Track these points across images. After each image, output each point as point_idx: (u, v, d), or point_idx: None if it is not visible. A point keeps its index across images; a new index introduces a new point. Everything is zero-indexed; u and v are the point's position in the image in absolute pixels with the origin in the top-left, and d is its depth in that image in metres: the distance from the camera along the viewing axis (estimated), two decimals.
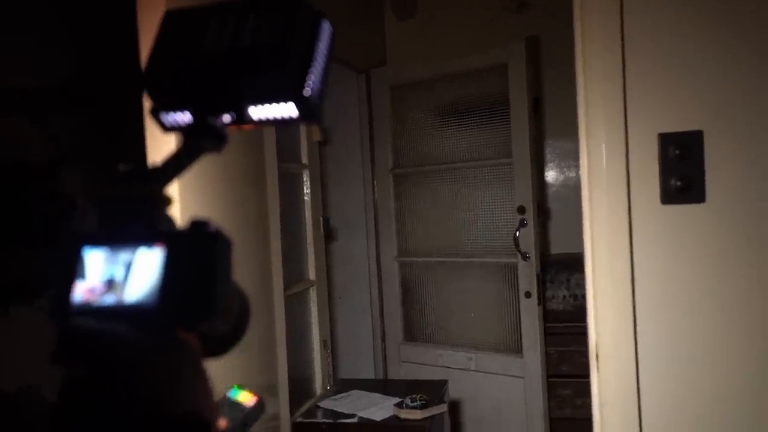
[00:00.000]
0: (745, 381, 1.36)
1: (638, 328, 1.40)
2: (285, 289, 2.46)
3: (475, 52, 3.21)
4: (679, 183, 1.34)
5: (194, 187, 1.56)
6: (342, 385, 2.87)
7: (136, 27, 1.43)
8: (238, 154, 2.10)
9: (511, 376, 3.18)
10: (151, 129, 1.43)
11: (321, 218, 3.00)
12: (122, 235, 0.41)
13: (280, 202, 2.42)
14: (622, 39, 1.37)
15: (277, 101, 0.42)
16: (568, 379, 3.24)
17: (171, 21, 0.43)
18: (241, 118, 0.42)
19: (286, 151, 2.70)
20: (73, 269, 0.41)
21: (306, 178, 2.91)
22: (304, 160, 2.91)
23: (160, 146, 1.37)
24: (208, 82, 0.42)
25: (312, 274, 2.92)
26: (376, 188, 3.65)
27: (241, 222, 2.14)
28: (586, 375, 1.50)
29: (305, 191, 2.91)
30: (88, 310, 0.40)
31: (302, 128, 2.87)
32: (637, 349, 1.40)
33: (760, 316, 1.34)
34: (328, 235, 3.28)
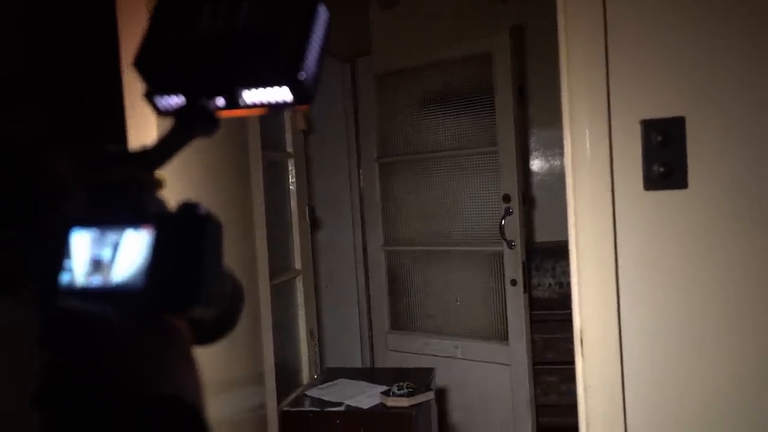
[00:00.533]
0: (727, 364, 1.39)
1: (622, 314, 1.43)
2: (271, 279, 2.47)
3: (460, 41, 3.22)
4: (661, 169, 1.37)
5: (175, 176, 1.55)
6: (329, 374, 2.89)
7: (115, 10, 1.42)
8: (221, 143, 2.10)
9: (497, 363, 3.22)
10: (132, 113, 1.43)
11: (307, 207, 3.01)
12: (110, 217, 0.41)
13: (264, 192, 2.42)
14: (605, 26, 1.39)
15: (271, 85, 0.42)
16: (554, 366, 3.29)
17: (164, 4, 0.44)
18: (235, 101, 0.43)
19: (270, 140, 2.70)
20: (60, 251, 0.41)
21: (291, 167, 2.91)
22: (289, 148, 2.91)
23: (141, 130, 1.37)
24: (202, 65, 0.42)
25: (298, 264, 2.92)
26: (361, 177, 3.66)
27: (225, 211, 2.14)
28: (572, 362, 1.53)
29: (290, 180, 2.91)
30: (74, 291, 0.40)
31: (287, 117, 2.87)
32: (621, 334, 1.43)
33: (742, 300, 1.38)
34: (314, 224, 3.29)
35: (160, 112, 0.44)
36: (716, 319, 1.39)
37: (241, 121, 2.27)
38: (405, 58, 3.42)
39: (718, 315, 1.39)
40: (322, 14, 0.43)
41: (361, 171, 3.66)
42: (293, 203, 2.91)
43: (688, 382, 1.41)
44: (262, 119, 2.43)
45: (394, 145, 3.56)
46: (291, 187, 2.91)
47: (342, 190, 3.72)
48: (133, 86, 1.37)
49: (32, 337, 0.39)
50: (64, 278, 0.40)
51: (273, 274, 2.52)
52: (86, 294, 0.40)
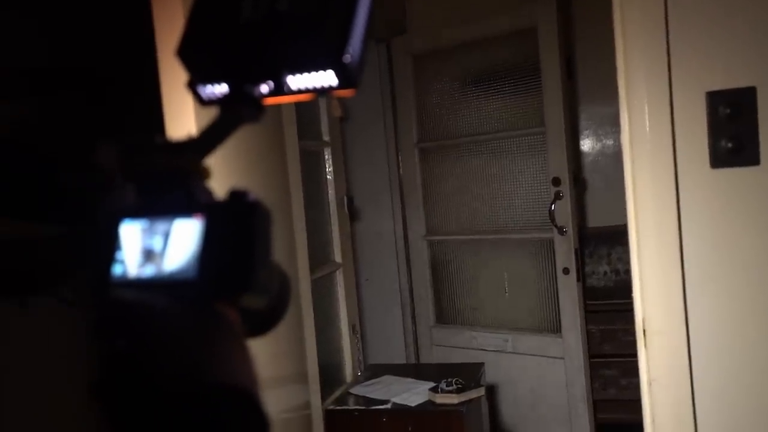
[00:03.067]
0: None
1: (688, 302, 1.39)
2: (311, 273, 2.49)
3: (501, 15, 3.17)
4: (730, 145, 1.33)
5: (212, 168, 1.58)
6: (373, 371, 2.91)
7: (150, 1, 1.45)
8: (257, 132, 2.12)
9: (550, 357, 3.18)
10: (169, 103, 1.45)
11: (345, 197, 3.02)
12: (160, 206, 0.42)
13: (301, 182, 2.44)
14: None
15: (316, 69, 0.42)
16: (612, 359, 3.24)
17: None
18: (280, 87, 0.43)
19: (306, 128, 2.71)
20: (111, 243, 0.42)
21: (328, 155, 2.92)
22: (325, 137, 2.92)
23: (179, 120, 1.39)
24: (245, 51, 0.43)
25: (338, 256, 2.94)
26: (401, 164, 3.65)
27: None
28: (631, 354, 1.50)
29: (327, 169, 2.92)
30: (127, 282, 0.41)
31: (322, 104, 2.87)
32: (688, 324, 1.40)
33: None
34: (353, 215, 3.30)
35: (203, 102, 0.45)
36: None
37: (277, 110, 2.29)
38: (443, 36, 3.39)
39: None
40: None
41: (400, 157, 3.65)
42: (331, 193, 2.92)
43: (762, 373, 1.37)
44: (297, 107, 2.45)
45: (435, 128, 3.54)
46: (328, 176, 2.93)
47: (381, 178, 3.72)
48: (169, 76, 1.39)
49: (73, 333, 0.40)
50: (117, 269, 0.42)
51: (313, 267, 2.54)
52: (139, 284, 0.41)
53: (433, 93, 3.52)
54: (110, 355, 0.39)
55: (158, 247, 0.41)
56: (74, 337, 0.42)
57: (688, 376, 1.40)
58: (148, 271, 0.41)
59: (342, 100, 2.97)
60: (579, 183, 3.58)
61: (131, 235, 0.42)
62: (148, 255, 0.41)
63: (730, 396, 1.39)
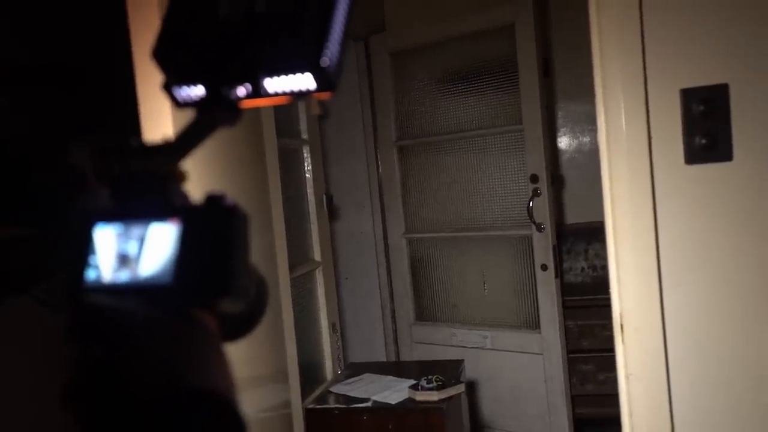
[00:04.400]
0: None
1: (665, 296, 1.41)
2: (290, 271, 2.48)
3: (479, 12, 3.18)
4: (704, 141, 1.34)
5: (190, 168, 1.56)
6: (353, 369, 2.91)
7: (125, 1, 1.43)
8: (234, 130, 2.10)
9: (529, 353, 3.21)
10: (145, 104, 1.44)
11: (324, 196, 3.01)
12: (135, 210, 0.42)
13: (280, 180, 2.43)
14: None
15: (294, 72, 0.42)
16: (590, 354, 3.27)
17: None
18: (257, 90, 0.43)
19: (284, 126, 2.70)
20: (85, 246, 0.41)
21: (306, 154, 2.91)
22: (304, 135, 2.91)
23: (155, 122, 1.38)
24: (222, 53, 0.42)
25: (317, 255, 2.93)
26: (380, 162, 3.65)
27: (241, 202, 2.14)
28: (609, 349, 1.52)
29: (306, 168, 2.91)
30: (101, 287, 0.41)
31: (301, 102, 2.86)
32: (664, 318, 1.41)
33: None
34: (332, 213, 3.29)
35: (179, 104, 0.44)
36: (765, 300, 1.37)
37: (255, 109, 2.27)
38: (421, 34, 3.39)
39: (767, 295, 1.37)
40: None
41: (379, 155, 3.65)
42: (310, 192, 2.91)
43: (736, 366, 1.40)
44: (275, 106, 2.43)
45: (413, 126, 3.55)
46: (307, 175, 2.92)
47: (360, 176, 3.71)
48: (146, 77, 1.37)
49: (47, 334, 0.40)
50: (91, 274, 0.41)
51: (292, 266, 2.53)
52: (114, 289, 0.41)
53: (412, 91, 3.52)
54: (85, 359, 0.38)
55: (133, 251, 0.41)
56: (48, 339, 0.41)
57: (665, 369, 1.42)
58: (124, 276, 0.41)
59: (320, 99, 2.96)
60: (557, 180, 3.61)
61: (106, 239, 0.41)
62: (124, 260, 0.41)
63: (705, 389, 1.41)
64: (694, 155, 1.36)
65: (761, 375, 1.38)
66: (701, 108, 1.34)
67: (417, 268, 3.62)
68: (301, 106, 2.86)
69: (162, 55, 0.43)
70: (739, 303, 1.38)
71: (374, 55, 3.58)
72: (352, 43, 3.57)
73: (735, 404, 1.40)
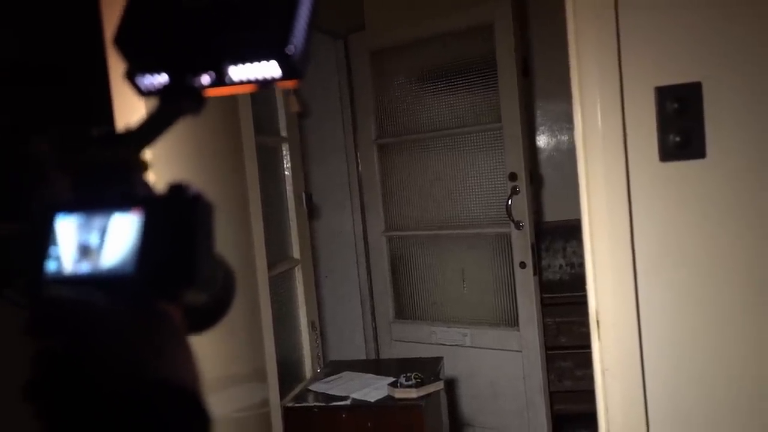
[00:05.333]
0: (751, 342, 1.39)
1: (639, 292, 1.42)
2: (269, 269, 2.46)
3: (458, 11, 3.19)
4: (678, 139, 1.36)
5: (165, 163, 1.55)
6: (333, 367, 2.89)
7: None
8: (212, 126, 2.08)
9: (508, 350, 3.22)
10: (119, 94, 1.41)
11: (303, 194, 3.00)
12: (96, 201, 0.41)
13: (259, 178, 2.41)
14: None
15: (259, 60, 0.41)
16: (568, 351, 3.30)
17: None
18: (221, 78, 0.42)
19: (263, 124, 2.68)
20: (45, 238, 0.41)
21: (286, 151, 2.89)
22: (283, 132, 2.89)
23: (129, 112, 1.35)
24: (186, 41, 0.42)
25: (297, 253, 2.92)
26: (359, 160, 3.64)
27: (219, 199, 2.12)
28: (587, 345, 1.52)
29: (285, 165, 2.90)
30: (63, 279, 0.40)
31: (280, 99, 2.84)
32: (639, 314, 1.42)
33: (765, 275, 1.37)
34: (311, 211, 3.28)
35: (142, 92, 0.43)
36: (738, 295, 1.38)
37: (233, 104, 2.25)
38: (401, 33, 3.39)
39: (740, 291, 1.38)
40: None
41: (358, 154, 3.64)
42: (289, 190, 2.89)
43: (710, 361, 1.41)
44: (254, 101, 2.42)
45: (393, 125, 3.54)
46: (286, 172, 2.90)
47: (340, 174, 3.70)
48: (119, 66, 1.34)
49: (18, 329, 0.39)
50: (52, 266, 0.40)
51: (271, 264, 2.51)
52: (75, 281, 0.40)
53: (391, 89, 3.52)
54: (45, 353, 0.38)
55: (95, 242, 0.40)
56: (7, 333, 0.40)
57: (640, 365, 1.43)
58: (85, 267, 0.40)
59: (300, 96, 2.95)
60: (535, 178, 3.63)
61: (67, 230, 0.40)
62: (85, 251, 0.40)
63: (679, 384, 1.43)
64: (668, 153, 1.37)
65: (734, 371, 1.40)
66: (675, 106, 1.35)
67: (397, 266, 3.62)
68: (280, 103, 2.84)
69: (124, 42, 0.42)
70: (714, 299, 1.40)
71: (354, 53, 3.57)
72: (332, 41, 3.56)
73: (709, 399, 1.41)
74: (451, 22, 3.21)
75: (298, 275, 2.92)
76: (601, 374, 1.47)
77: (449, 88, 3.34)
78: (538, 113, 3.80)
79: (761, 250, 1.37)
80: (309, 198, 3.18)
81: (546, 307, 3.23)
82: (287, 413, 2.50)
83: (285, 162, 2.90)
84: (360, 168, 3.64)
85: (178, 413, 0.39)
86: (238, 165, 2.32)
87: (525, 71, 3.35)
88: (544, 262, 3.49)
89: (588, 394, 1.57)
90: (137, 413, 0.37)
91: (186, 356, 0.41)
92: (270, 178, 2.73)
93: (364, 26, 3.70)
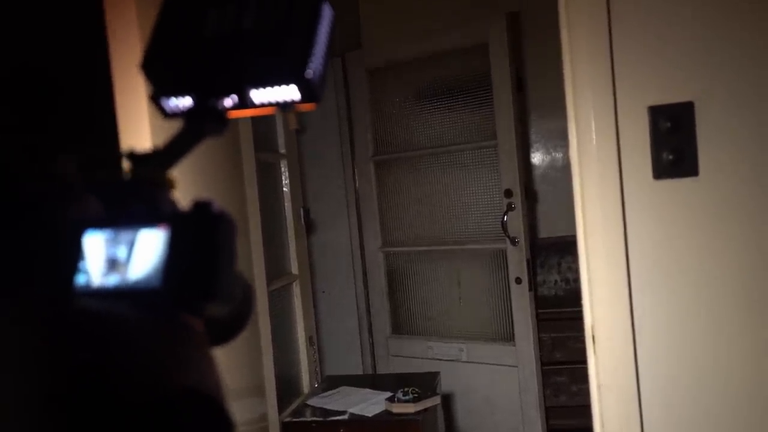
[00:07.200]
0: (745, 356, 1.40)
1: (634, 308, 1.44)
2: (267, 285, 2.47)
3: (453, 31, 3.23)
4: (671, 157, 1.38)
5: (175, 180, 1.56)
6: (330, 382, 2.90)
7: (103, 10, 1.43)
8: (212, 143, 2.10)
9: (504, 365, 3.23)
10: (123, 114, 1.43)
11: (301, 209, 3.01)
12: (125, 217, 0.42)
13: (258, 194, 2.43)
14: (608, 9, 1.40)
15: (279, 84, 0.44)
16: (564, 366, 3.30)
17: (170, 5, 0.45)
18: (243, 101, 0.44)
19: (262, 140, 2.71)
20: (74, 253, 0.42)
21: (284, 167, 2.92)
22: (282, 149, 2.92)
23: (133, 131, 1.37)
24: (210, 65, 0.44)
25: (295, 268, 2.93)
26: (356, 177, 3.66)
27: None
28: (582, 361, 1.54)
29: (284, 182, 2.92)
30: (91, 291, 0.41)
31: (278, 116, 2.87)
32: (635, 329, 1.44)
33: (758, 291, 1.39)
34: (309, 227, 3.30)
35: (167, 115, 0.45)
36: (732, 312, 1.40)
37: (234, 122, 2.28)
38: (397, 51, 3.43)
39: (734, 307, 1.40)
40: (327, 13, 0.45)
41: (356, 170, 3.66)
42: (287, 205, 2.91)
43: (705, 376, 1.42)
44: (254, 119, 2.44)
45: (390, 142, 3.57)
46: (285, 188, 2.92)
47: (337, 190, 3.72)
48: (124, 87, 1.37)
49: (38, 338, 0.40)
50: (80, 279, 0.41)
51: (269, 279, 2.52)
52: (103, 294, 0.41)
53: (388, 106, 3.55)
54: (74, 366, 0.39)
55: (123, 256, 0.41)
56: (37, 346, 0.41)
57: (635, 380, 1.44)
58: (112, 280, 0.41)
59: (298, 114, 2.97)
60: (530, 195, 3.65)
61: (95, 245, 0.42)
62: (113, 264, 0.41)
63: (675, 399, 1.44)
64: (661, 171, 1.40)
65: (730, 385, 1.41)
66: (668, 125, 1.38)
67: (393, 281, 3.63)
68: (279, 120, 2.87)
69: (150, 67, 0.44)
70: (708, 315, 1.41)
71: (351, 71, 3.60)
72: (329, 59, 3.59)
73: (705, 414, 1.43)
74: (447, 41, 3.25)
75: (296, 290, 2.93)
76: (597, 389, 1.48)
77: (445, 106, 3.37)
78: (533, 130, 3.83)
79: (754, 265, 1.39)
80: (306, 213, 3.20)
81: (541, 322, 3.24)
82: (285, 428, 2.50)
83: (284, 178, 2.92)
84: (357, 184, 3.67)
85: (205, 422, 0.40)
86: (237, 181, 2.34)
87: (519, 88, 3.39)
88: (539, 278, 3.50)
89: (584, 409, 1.58)
90: (165, 423, 0.38)
91: (210, 367, 0.42)
92: (269, 193, 2.75)
93: (360, 44, 3.74)
